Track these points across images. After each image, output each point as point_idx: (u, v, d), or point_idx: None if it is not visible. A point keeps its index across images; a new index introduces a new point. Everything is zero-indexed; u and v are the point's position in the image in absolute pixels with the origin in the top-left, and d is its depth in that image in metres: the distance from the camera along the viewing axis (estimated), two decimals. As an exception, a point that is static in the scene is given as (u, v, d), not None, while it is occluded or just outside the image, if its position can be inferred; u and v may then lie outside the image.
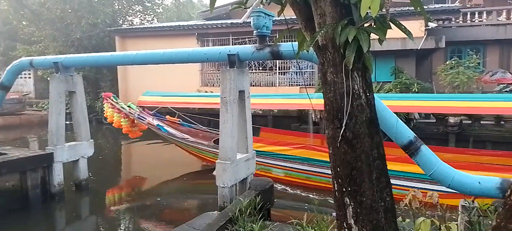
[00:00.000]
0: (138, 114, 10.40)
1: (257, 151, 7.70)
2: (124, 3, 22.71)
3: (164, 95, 11.66)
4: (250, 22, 6.04)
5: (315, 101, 8.37)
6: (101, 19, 19.04)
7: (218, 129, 6.41)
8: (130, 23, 23.42)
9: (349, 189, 2.43)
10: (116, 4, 21.82)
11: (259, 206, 4.86)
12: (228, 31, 16.18)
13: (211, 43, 16.79)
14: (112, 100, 10.53)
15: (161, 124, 10.63)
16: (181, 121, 11.21)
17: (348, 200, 2.45)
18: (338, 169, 2.48)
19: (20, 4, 20.06)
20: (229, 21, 16.46)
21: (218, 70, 16.53)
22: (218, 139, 10.48)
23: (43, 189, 7.99)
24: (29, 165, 7.74)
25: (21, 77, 23.61)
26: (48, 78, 18.57)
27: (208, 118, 12.00)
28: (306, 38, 2.82)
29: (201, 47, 16.08)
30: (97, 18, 18.91)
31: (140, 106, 10.85)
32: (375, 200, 2.43)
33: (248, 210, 4.71)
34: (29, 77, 24.98)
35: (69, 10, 18.83)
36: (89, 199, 8.97)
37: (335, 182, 2.53)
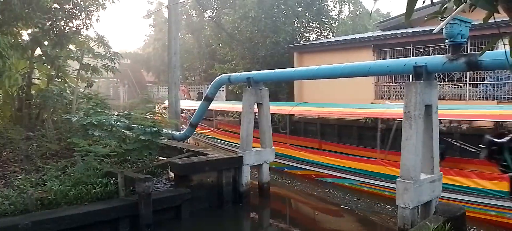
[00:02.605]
0: None
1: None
2: (303, 21, 24.06)
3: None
4: (435, 30, 5.51)
5: None
6: (282, 37, 20.70)
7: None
8: (307, 39, 24.63)
9: None
10: (295, 22, 23.35)
11: (449, 234, 4.37)
12: (408, 40, 15.08)
13: (388, 55, 16.01)
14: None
15: None
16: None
17: None
18: None
19: (220, 28, 23.80)
20: (410, 30, 15.36)
21: (395, 82, 15.62)
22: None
23: (233, 188, 9.09)
24: (225, 165, 8.94)
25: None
26: (237, 92, 21.42)
27: None
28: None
29: (377, 59, 15.52)
30: (279, 36, 20.65)
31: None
32: None
33: (436, 237, 4.29)
34: (222, 91, 29.27)
35: (256, 31, 21.19)
36: (271, 202, 9.79)
37: None
